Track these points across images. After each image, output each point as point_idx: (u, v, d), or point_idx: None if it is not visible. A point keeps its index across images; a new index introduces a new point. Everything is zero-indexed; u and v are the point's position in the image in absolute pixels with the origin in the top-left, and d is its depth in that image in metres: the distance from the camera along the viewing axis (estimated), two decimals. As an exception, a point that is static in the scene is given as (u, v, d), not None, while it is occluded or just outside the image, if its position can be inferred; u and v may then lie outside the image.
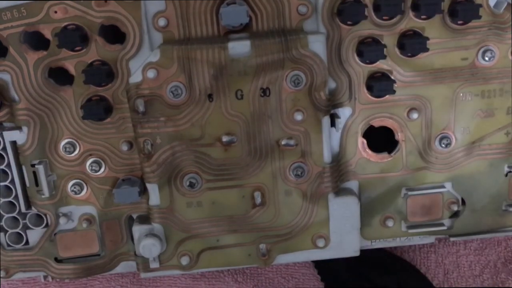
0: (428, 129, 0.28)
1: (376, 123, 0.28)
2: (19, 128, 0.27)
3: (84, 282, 0.33)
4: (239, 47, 0.25)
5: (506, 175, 0.29)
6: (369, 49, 0.26)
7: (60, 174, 0.28)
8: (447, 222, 0.30)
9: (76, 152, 0.28)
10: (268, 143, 0.27)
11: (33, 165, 0.28)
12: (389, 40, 0.27)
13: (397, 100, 0.28)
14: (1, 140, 0.27)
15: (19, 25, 0.26)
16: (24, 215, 0.29)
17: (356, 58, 0.27)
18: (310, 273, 0.34)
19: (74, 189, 0.28)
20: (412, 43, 0.26)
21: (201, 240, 0.29)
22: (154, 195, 0.28)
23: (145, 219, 0.29)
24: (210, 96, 0.26)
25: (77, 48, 0.26)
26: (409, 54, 0.27)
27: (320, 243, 0.29)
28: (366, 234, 0.30)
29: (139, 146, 0.27)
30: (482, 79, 0.28)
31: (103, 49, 0.26)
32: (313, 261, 0.34)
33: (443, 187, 0.29)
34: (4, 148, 0.27)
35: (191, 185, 0.27)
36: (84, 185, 0.28)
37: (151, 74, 0.26)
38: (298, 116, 0.26)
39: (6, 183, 0.28)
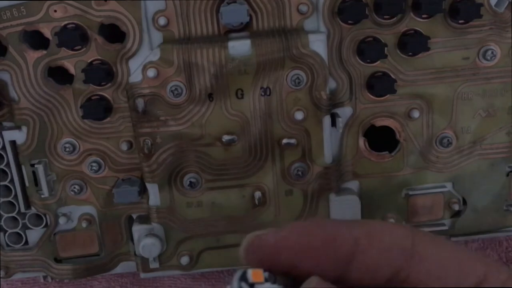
0: (429, 129, 0.28)
1: (377, 122, 0.28)
2: (18, 127, 0.27)
3: (84, 282, 0.33)
4: (240, 46, 0.25)
5: (507, 175, 0.29)
6: (370, 48, 0.26)
7: (59, 174, 0.28)
8: (448, 222, 0.30)
9: (76, 151, 0.28)
10: (269, 143, 0.27)
11: (32, 165, 0.28)
12: (390, 39, 0.27)
13: (398, 100, 0.28)
14: (1, 140, 0.27)
15: (18, 24, 0.25)
16: (23, 215, 0.29)
17: (357, 57, 0.27)
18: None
19: (74, 189, 0.28)
20: (413, 42, 0.26)
21: (201, 240, 0.29)
22: (154, 195, 0.28)
23: (145, 219, 0.29)
24: (210, 96, 0.26)
25: (77, 47, 0.26)
26: (410, 53, 0.27)
27: (321, 243, 0.29)
28: (367, 234, 0.30)
29: (139, 146, 0.27)
30: (483, 79, 0.27)
31: (103, 48, 0.26)
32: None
33: (444, 187, 0.29)
34: (4, 148, 0.27)
35: (191, 185, 0.27)
36: (84, 185, 0.28)
37: (151, 73, 0.25)
38: (299, 116, 0.26)
39: (6, 183, 0.28)
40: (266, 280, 0.14)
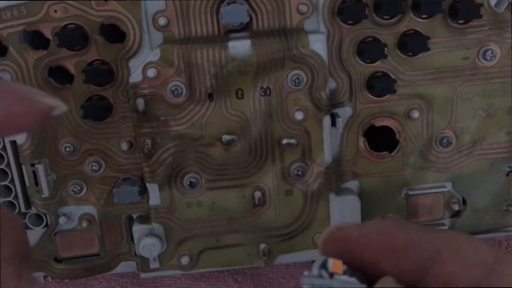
0: (429, 129, 0.28)
1: (377, 122, 0.28)
2: (18, 127, 0.27)
3: (84, 282, 0.33)
4: (240, 46, 0.25)
5: (507, 175, 0.29)
6: (370, 48, 0.26)
7: (60, 173, 0.28)
8: (448, 222, 0.30)
9: (76, 151, 0.28)
10: (269, 143, 0.27)
11: (33, 165, 0.28)
12: (390, 39, 0.27)
13: (398, 100, 0.28)
14: (1, 140, 0.27)
15: (19, 24, 0.26)
16: (24, 215, 0.29)
17: (357, 58, 0.27)
18: (311, 273, 0.34)
19: (74, 189, 0.28)
20: (413, 43, 0.26)
21: (201, 240, 0.29)
22: (154, 195, 0.28)
23: (145, 219, 0.29)
24: (210, 96, 0.26)
25: (77, 48, 0.26)
26: (410, 54, 0.27)
27: (321, 243, 0.29)
28: (367, 234, 0.30)
29: (139, 146, 0.27)
30: (483, 79, 0.27)
31: (103, 49, 0.26)
32: (314, 261, 0.34)
33: (444, 187, 0.29)
34: (4, 148, 0.27)
35: (191, 184, 0.27)
36: (84, 185, 0.28)
37: (151, 73, 0.25)
38: (299, 116, 0.26)
39: (6, 182, 0.28)
40: (344, 273, 0.14)
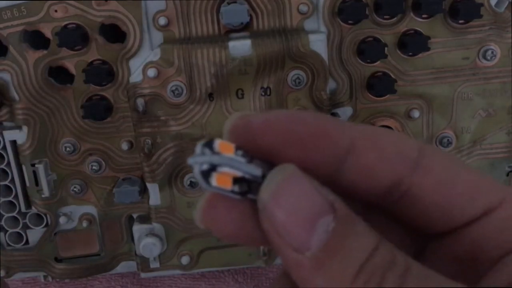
0: (429, 129, 0.28)
1: (377, 122, 0.28)
2: (19, 127, 0.27)
3: (84, 282, 0.33)
4: (240, 46, 0.25)
5: (507, 174, 0.29)
6: (370, 48, 0.26)
7: (60, 173, 0.28)
8: (448, 222, 0.30)
9: (76, 151, 0.28)
10: (269, 143, 0.27)
11: (33, 165, 0.28)
12: (390, 39, 0.27)
13: (398, 100, 0.28)
14: (1, 140, 0.27)
15: (19, 24, 0.26)
16: (24, 215, 0.29)
17: (357, 58, 0.27)
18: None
19: (74, 189, 0.28)
20: (413, 42, 0.26)
21: (201, 240, 0.29)
22: (155, 195, 0.28)
23: (145, 218, 0.29)
24: (210, 96, 0.26)
25: (78, 47, 0.26)
26: (410, 53, 0.27)
27: (321, 243, 0.29)
28: (367, 234, 0.30)
29: (140, 146, 0.27)
30: (483, 79, 0.27)
31: (103, 48, 0.26)
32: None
33: (444, 186, 0.29)
34: (4, 148, 0.27)
35: (192, 184, 0.27)
36: (84, 184, 0.28)
37: (151, 73, 0.25)
38: (299, 116, 0.26)
39: (6, 182, 0.28)
40: (237, 156, 0.13)
